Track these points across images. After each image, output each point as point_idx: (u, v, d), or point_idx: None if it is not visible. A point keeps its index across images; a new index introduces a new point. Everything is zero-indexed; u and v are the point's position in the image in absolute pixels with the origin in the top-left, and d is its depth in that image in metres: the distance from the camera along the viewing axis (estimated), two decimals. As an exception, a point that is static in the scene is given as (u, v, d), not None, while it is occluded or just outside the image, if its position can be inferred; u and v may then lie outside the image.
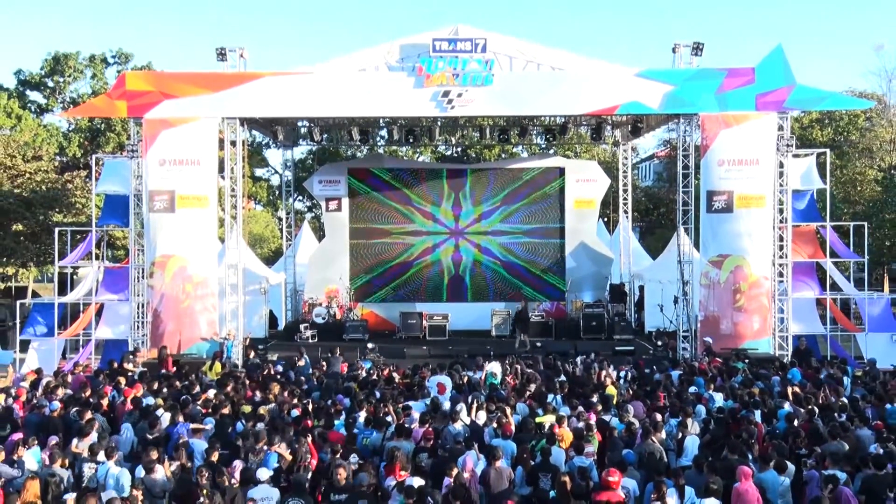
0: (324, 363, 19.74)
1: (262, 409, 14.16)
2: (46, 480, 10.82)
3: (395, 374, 18.39)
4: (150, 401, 15.08)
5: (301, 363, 19.36)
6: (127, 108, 22.18)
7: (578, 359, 19.84)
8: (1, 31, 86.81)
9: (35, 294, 38.60)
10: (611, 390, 16.05)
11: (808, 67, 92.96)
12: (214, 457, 11.67)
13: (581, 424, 13.06)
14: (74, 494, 10.18)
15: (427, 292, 28.50)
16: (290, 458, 11.74)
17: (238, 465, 11.31)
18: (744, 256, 21.93)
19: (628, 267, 29.49)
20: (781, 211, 22.23)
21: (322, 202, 29.54)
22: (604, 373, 17.61)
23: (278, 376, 17.90)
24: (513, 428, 13.02)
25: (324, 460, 11.94)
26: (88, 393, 15.73)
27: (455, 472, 10.68)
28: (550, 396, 15.19)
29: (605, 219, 34.86)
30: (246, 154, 24.85)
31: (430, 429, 12.82)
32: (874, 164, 39.98)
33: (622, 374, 18.25)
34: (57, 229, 24.71)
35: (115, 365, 19.21)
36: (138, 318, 22.35)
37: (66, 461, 11.81)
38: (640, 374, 18.31)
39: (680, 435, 12.95)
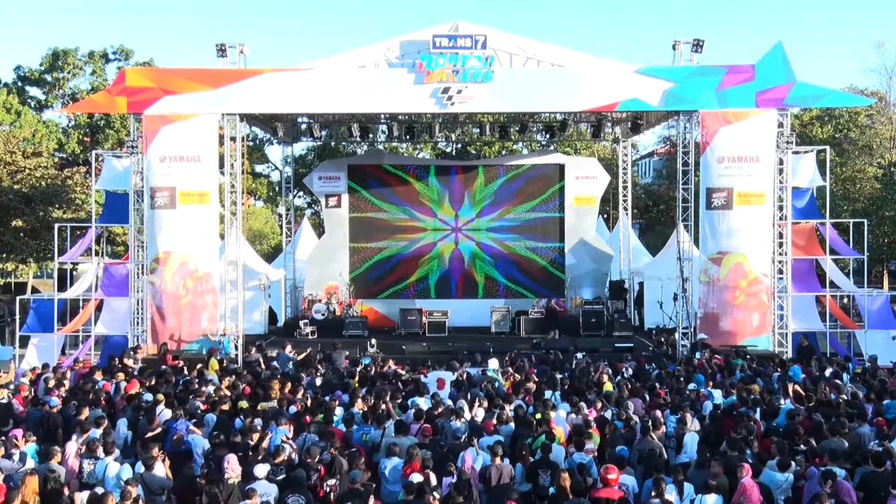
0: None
1: (261, 405, 14.16)
2: (45, 476, 10.83)
3: (397, 370, 18.39)
4: (148, 397, 15.08)
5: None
6: (127, 105, 22.18)
7: (579, 354, 19.85)
8: (1, 27, 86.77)
9: (35, 290, 38.45)
10: (608, 387, 16.07)
11: (809, 64, 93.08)
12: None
13: (580, 421, 13.07)
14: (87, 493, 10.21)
15: (426, 289, 28.44)
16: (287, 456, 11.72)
17: (231, 458, 11.24)
18: (743, 253, 21.94)
19: (628, 264, 29.48)
20: (781, 208, 22.23)
21: (322, 198, 29.50)
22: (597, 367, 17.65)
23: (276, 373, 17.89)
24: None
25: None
26: (88, 389, 15.73)
27: (453, 468, 10.69)
28: (549, 393, 15.22)
29: (605, 216, 34.84)
30: (246, 150, 24.84)
31: (428, 425, 12.82)
32: (874, 161, 39.97)
33: (621, 370, 18.25)
34: (56, 225, 24.74)
35: (116, 361, 19.23)
36: (138, 314, 22.37)
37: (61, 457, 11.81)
38: (640, 371, 18.33)
39: (680, 431, 12.96)
